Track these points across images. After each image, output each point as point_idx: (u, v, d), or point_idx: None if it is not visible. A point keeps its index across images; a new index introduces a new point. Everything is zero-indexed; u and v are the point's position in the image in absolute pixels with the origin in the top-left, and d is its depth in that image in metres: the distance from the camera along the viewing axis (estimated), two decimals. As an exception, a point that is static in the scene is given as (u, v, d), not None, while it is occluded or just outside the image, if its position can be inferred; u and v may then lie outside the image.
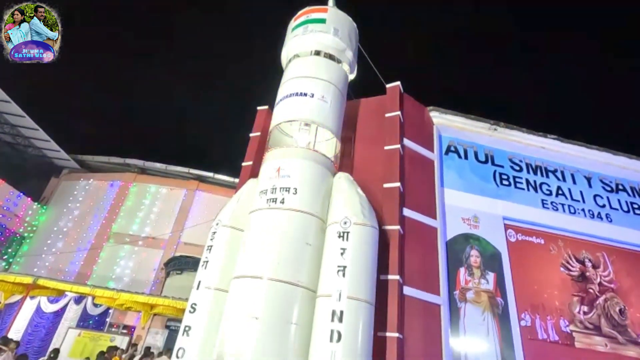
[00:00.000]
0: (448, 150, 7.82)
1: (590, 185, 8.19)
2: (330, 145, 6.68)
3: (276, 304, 4.66)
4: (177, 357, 5.10)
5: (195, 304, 5.44)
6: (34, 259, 15.17)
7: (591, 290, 6.97)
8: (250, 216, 5.65)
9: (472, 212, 7.22)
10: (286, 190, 5.45)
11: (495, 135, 8.10)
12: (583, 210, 7.80)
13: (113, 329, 13.36)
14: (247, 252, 5.25)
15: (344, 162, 6.79)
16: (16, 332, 11.39)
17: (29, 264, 14.98)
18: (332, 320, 4.52)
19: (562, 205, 7.75)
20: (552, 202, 7.74)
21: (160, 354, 8.94)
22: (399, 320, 5.22)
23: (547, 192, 7.85)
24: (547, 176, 8.07)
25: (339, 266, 4.88)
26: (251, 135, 8.17)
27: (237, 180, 10.13)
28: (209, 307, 5.32)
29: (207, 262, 5.79)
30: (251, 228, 5.49)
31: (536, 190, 7.81)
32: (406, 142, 7.03)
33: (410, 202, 6.44)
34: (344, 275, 4.80)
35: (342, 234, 5.13)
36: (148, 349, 9.90)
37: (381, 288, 5.24)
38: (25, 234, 15.96)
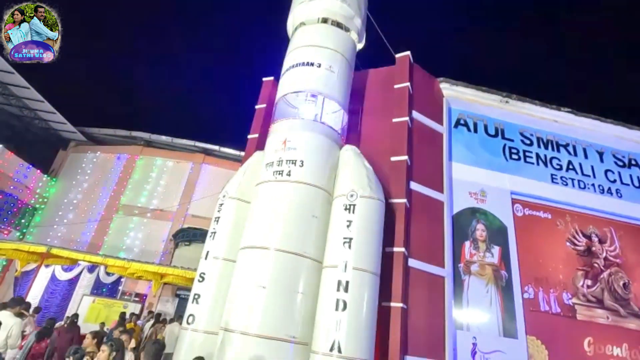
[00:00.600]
0: (457, 124, 7.65)
1: (602, 160, 8.03)
2: (337, 118, 6.55)
3: (283, 274, 4.75)
4: (188, 323, 5.29)
5: (204, 274, 5.58)
6: (46, 230, 15.55)
7: (596, 265, 6.99)
8: (256, 188, 5.66)
9: (480, 187, 7.15)
10: (292, 163, 5.41)
11: (506, 108, 7.88)
12: (593, 185, 7.69)
13: (125, 297, 13.86)
14: (253, 223, 5.29)
15: (351, 134, 6.69)
16: (33, 298, 11.85)
17: (42, 234, 15.37)
18: (338, 290, 4.61)
19: (572, 180, 7.64)
20: (561, 177, 7.63)
21: (171, 321, 9.28)
22: (403, 291, 5.31)
23: (557, 167, 7.72)
24: (558, 150, 7.91)
25: (344, 238, 4.91)
26: (257, 107, 8.05)
27: (243, 153, 10.11)
28: (217, 277, 5.45)
29: (214, 233, 5.88)
30: (258, 200, 5.51)
31: (546, 165, 7.68)
32: (415, 114, 6.87)
33: (417, 175, 6.38)
34: (349, 247, 4.84)
35: (348, 207, 5.13)
36: (158, 315, 10.27)
37: (386, 260, 5.30)
38: (37, 205, 16.28)
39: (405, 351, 5.11)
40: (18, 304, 5.78)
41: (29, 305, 7.12)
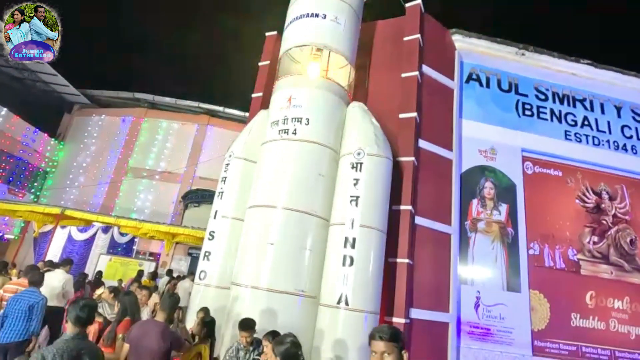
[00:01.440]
0: (469, 79, 7.34)
1: (619, 115, 7.73)
2: (343, 73, 6.31)
3: (290, 231, 4.81)
4: (200, 279, 5.48)
5: (213, 232, 5.69)
6: (59, 193, 15.91)
7: (604, 222, 6.97)
8: (262, 148, 5.60)
9: (490, 144, 6.99)
10: (298, 121, 5.29)
11: (522, 60, 7.49)
12: (608, 141, 7.47)
13: (140, 256, 14.42)
14: (260, 183, 5.30)
15: (358, 91, 6.47)
16: (52, 257, 12.37)
17: (55, 197, 15.75)
18: (345, 246, 4.68)
19: (586, 136, 7.41)
20: (575, 134, 7.40)
21: (184, 277, 9.69)
22: (409, 248, 5.38)
23: (572, 123, 7.46)
24: (574, 106, 7.60)
25: (351, 196, 4.91)
26: (260, 64, 7.77)
27: (248, 114, 9.93)
28: (227, 234, 5.56)
29: (222, 192, 5.92)
30: (264, 160, 5.47)
31: (560, 121, 7.43)
32: (425, 69, 6.57)
33: (426, 133, 6.23)
34: (356, 205, 4.85)
35: (355, 165, 5.07)
36: (170, 271, 10.71)
37: (393, 217, 5.32)
38: (48, 169, 16.53)
39: (410, 304, 5.28)
40: (68, 264, 6.53)
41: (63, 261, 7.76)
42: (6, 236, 14.99)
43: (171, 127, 16.79)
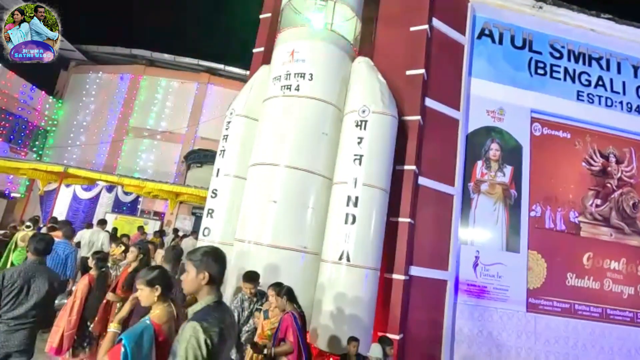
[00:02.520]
0: (481, 34, 6.97)
1: (636, 75, 7.42)
2: (349, 26, 5.98)
3: (293, 189, 4.80)
4: (204, 235, 5.56)
5: (216, 190, 5.69)
6: (61, 152, 15.88)
7: (609, 185, 6.92)
8: (264, 104, 5.44)
9: (499, 104, 6.79)
10: (301, 76, 5.09)
11: (538, 14, 7.05)
12: (621, 103, 7.23)
13: (145, 215, 14.65)
14: (262, 141, 5.20)
15: (365, 45, 6.17)
16: (59, 215, 12.61)
17: (57, 156, 15.74)
18: (348, 205, 4.68)
19: (599, 97, 7.17)
20: (588, 94, 7.14)
21: (188, 236, 9.89)
22: (411, 208, 5.39)
23: (586, 83, 7.18)
24: (590, 64, 7.28)
25: (355, 155, 4.83)
26: (261, 16, 7.36)
27: (249, 73, 9.59)
28: (229, 192, 5.57)
29: (224, 150, 5.85)
30: (265, 117, 5.34)
31: (573, 81, 7.15)
32: (435, 22, 6.22)
33: (433, 91, 6.02)
34: (360, 163, 4.78)
35: (359, 123, 4.94)
36: (176, 230, 10.93)
37: (396, 177, 5.28)
38: (48, 128, 16.38)
39: (410, 262, 5.39)
40: (102, 224, 7.79)
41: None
42: (12, 195, 15.19)
43: (171, 86, 16.38)
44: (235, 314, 3.43)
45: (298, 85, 5.05)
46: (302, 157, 4.89)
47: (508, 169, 6.62)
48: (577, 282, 6.43)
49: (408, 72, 5.83)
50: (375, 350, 3.70)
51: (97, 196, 13.99)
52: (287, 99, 5.12)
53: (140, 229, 10.29)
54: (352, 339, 3.95)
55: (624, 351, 6.24)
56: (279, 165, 4.86)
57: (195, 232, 9.66)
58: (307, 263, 4.72)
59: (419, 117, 5.64)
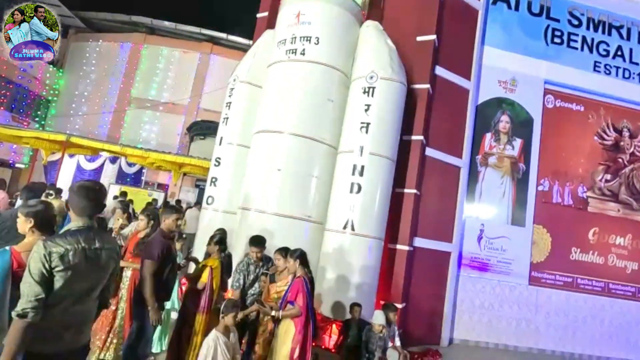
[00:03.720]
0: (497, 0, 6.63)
1: (657, 46, 7.08)
2: (358, -12, 5.67)
3: (297, 158, 4.70)
4: (207, 203, 5.54)
5: (219, 158, 5.62)
6: (64, 122, 15.74)
7: (620, 160, 6.76)
8: (268, 70, 5.25)
9: (511, 75, 6.54)
10: (307, 40, 4.88)
11: (559, -22, 6.67)
12: (639, 75, 6.94)
13: (149, 187, 14.67)
14: (266, 107, 5.06)
15: (373, 9, 5.86)
16: (63, 185, 12.65)
17: (59, 126, 15.60)
18: (353, 174, 4.59)
19: (617, 68, 6.88)
20: (605, 65, 6.86)
21: (191, 207, 9.92)
22: (417, 179, 5.30)
23: (604, 53, 6.88)
24: (609, 33, 6.94)
25: (362, 123, 4.70)
26: (265, -22, 7.01)
27: (252, 42, 9.27)
28: (233, 161, 5.50)
29: (227, 118, 5.72)
30: (270, 83, 5.17)
31: (591, 51, 6.85)
32: (449, -15, 5.89)
33: (444, 59, 5.78)
34: (366, 132, 4.66)
35: (367, 90, 4.77)
36: (178, 202, 10.95)
37: (403, 147, 5.16)
38: (50, 98, 16.17)
39: (414, 233, 5.36)
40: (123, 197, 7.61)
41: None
42: (17, 165, 15.21)
43: (172, 56, 15.98)
44: (241, 278, 3.42)
45: (304, 50, 4.85)
46: (307, 124, 4.76)
47: (517, 142, 6.47)
48: (581, 257, 6.42)
49: (418, 39, 5.59)
50: (379, 317, 3.71)
51: (101, 167, 13.94)
52: (292, 64, 4.93)
53: (152, 203, 10.26)
54: (355, 305, 3.97)
55: (624, 325, 6.30)
56: (283, 132, 4.75)
57: (198, 203, 9.67)
58: (311, 232, 4.69)
59: (428, 86, 5.45)
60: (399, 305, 4.88)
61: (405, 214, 5.20)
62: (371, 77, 4.77)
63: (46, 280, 1.55)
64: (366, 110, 4.70)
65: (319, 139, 4.78)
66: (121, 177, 14.16)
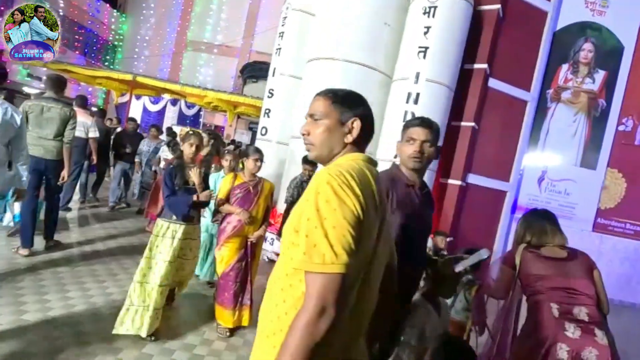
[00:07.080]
0: None
1: None
2: None
3: (351, 86, 4.58)
4: (261, 134, 5.74)
5: (272, 89, 5.69)
6: (129, 65, 16.75)
7: None
8: (322, -6, 5.01)
9: (603, -7, 5.60)
10: (364, -44, 4.51)
11: None
12: None
13: (206, 128, 15.48)
14: (320, 34, 4.91)
15: None
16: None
17: (125, 69, 16.68)
18: (407, 102, 4.42)
19: None
20: None
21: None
22: (477, 111, 4.97)
23: None
24: None
25: (420, 47, 4.40)
26: None
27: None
28: (285, 92, 5.54)
29: (279, 49, 5.69)
30: (323, 8, 4.96)
31: None
32: None
33: (521, -26, 5.07)
34: (424, 56, 4.37)
35: (427, 10, 4.40)
36: (233, 141, 11.48)
37: (463, 76, 4.81)
38: (116, 42, 17.13)
39: (469, 169, 5.16)
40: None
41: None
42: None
43: (224, -4, 15.85)
44: (295, 193, 3.63)
45: (360, -32, 4.51)
46: (362, 50, 4.58)
47: (600, 75, 5.70)
48: (659, 206, 5.79)
49: (492, -50, 4.91)
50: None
51: (164, 109, 14.90)
52: (347, -15, 4.64)
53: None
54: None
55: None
56: (337, 59, 4.63)
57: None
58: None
59: (498, 6, 4.87)
60: (447, 239, 4.88)
61: (461, 148, 4.98)
62: (433, -5, 4.36)
63: None
64: (425, 33, 4.37)
65: (373, 66, 4.61)
66: (181, 119, 15.07)
